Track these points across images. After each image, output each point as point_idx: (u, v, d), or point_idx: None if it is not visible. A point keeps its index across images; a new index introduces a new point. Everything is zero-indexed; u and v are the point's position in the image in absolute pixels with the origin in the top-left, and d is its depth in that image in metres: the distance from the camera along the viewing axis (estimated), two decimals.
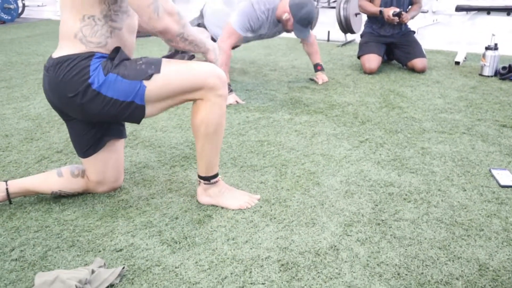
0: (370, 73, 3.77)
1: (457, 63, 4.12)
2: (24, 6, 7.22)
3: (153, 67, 1.65)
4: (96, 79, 1.60)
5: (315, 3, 5.03)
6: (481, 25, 4.14)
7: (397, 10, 3.72)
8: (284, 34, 4.49)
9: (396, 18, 3.69)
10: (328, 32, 5.12)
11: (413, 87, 3.47)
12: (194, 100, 1.72)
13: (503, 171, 2.17)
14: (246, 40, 3.26)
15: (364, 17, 5.01)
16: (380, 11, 3.76)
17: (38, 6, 8.60)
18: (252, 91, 3.36)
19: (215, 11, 3.26)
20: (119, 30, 1.67)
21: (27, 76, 3.78)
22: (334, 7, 4.98)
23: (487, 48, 3.71)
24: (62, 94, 1.65)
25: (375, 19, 3.88)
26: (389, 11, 3.71)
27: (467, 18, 4.07)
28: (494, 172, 2.15)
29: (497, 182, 2.07)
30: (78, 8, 1.60)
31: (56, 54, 1.66)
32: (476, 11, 3.99)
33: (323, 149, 2.39)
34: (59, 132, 2.62)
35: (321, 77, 3.53)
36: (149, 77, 1.63)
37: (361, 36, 4.02)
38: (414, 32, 3.99)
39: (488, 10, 3.93)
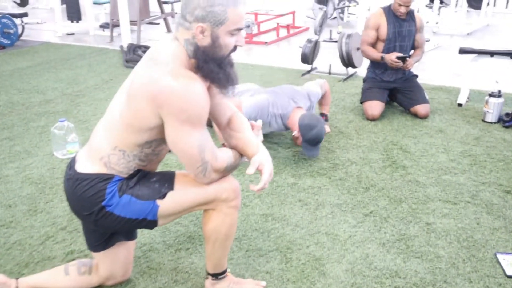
0: (373, 119, 3.76)
1: (460, 105, 4.10)
2: (23, 26, 7.19)
3: (167, 185, 1.66)
4: (111, 201, 1.63)
5: (317, 37, 5.02)
6: (484, 65, 4.12)
7: (401, 54, 3.72)
8: (285, 66, 4.49)
9: (400, 62, 3.68)
10: (330, 65, 5.11)
11: (416, 138, 3.46)
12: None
13: (509, 256, 2.16)
14: None
15: None
16: (382, 57, 3.75)
17: (38, 23, 8.57)
18: None
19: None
20: (144, 166, 1.71)
21: (28, 123, 3.76)
22: (336, 41, 4.95)
23: (490, 95, 3.70)
24: (78, 209, 1.70)
25: (377, 64, 3.87)
26: (392, 56, 3.70)
27: (470, 58, 4.06)
28: (500, 257, 2.15)
29: (503, 270, 2.07)
30: (114, 136, 1.63)
31: (79, 167, 1.68)
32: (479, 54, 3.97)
33: (328, 226, 2.38)
34: (62, 201, 2.62)
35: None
36: (162, 196, 1.64)
37: (364, 81, 4.01)
38: (417, 76, 3.97)
39: (492, 54, 3.91)
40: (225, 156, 1.66)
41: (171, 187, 1.66)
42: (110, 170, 1.65)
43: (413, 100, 3.82)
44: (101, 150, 1.66)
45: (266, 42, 6.81)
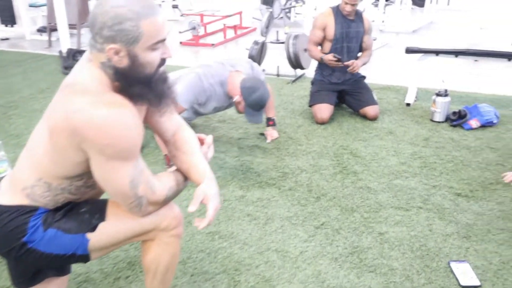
0: (322, 123, 3.67)
1: (408, 104, 4.09)
2: None
3: (98, 215, 1.47)
4: (33, 236, 1.42)
5: (263, 38, 4.90)
6: (430, 64, 4.12)
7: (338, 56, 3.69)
8: None
9: (339, 62, 3.65)
10: (278, 67, 5.00)
11: (367, 140, 3.39)
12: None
13: (462, 264, 2.11)
14: (197, 113, 3.08)
15: None
16: (321, 58, 3.70)
17: None
18: None
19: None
20: (77, 199, 1.50)
21: None
22: (283, 42, 4.85)
23: (437, 95, 3.69)
24: None
25: (325, 66, 3.79)
26: (329, 55, 3.66)
27: (417, 57, 4.04)
28: (453, 267, 2.09)
29: (457, 280, 2.01)
30: (38, 167, 1.42)
31: None
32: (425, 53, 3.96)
33: (278, 242, 2.26)
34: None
35: (271, 133, 3.39)
36: (93, 228, 1.45)
37: (312, 83, 3.92)
38: (364, 77, 3.92)
39: (437, 52, 3.91)
40: (165, 186, 1.48)
41: (102, 218, 1.47)
42: (34, 202, 1.45)
43: (362, 101, 3.77)
44: (23, 180, 1.45)
45: (213, 44, 6.65)
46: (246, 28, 7.70)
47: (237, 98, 2.90)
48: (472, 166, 3.01)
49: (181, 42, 6.75)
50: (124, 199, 1.39)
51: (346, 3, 3.63)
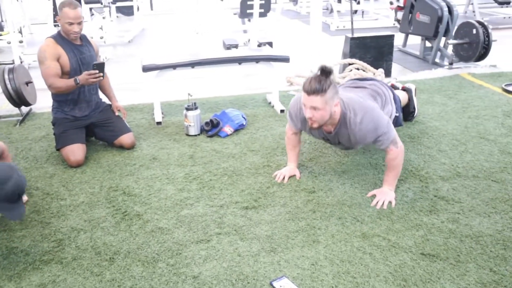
0: (78, 166, 3.23)
1: (159, 123, 3.96)
2: None
3: None
4: None
5: None
6: (169, 78, 4.07)
7: (98, 62, 3.31)
8: None
9: (99, 73, 3.20)
10: None
11: (134, 174, 3.13)
12: None
13: (282, 280, 2.11)
14: None
15: (39, 85, 4.33)
16: (75, 79, 3.19)
17: None
18: None
19: None
20: None
21: None
22: None
23: (187, 109, 3.66)
24: None
25: (64, 101, 3.33)
26: (84, 74, 3.19)
27: (154, 74, 3.93)
28: (276, 285, 2.07)
29: None
30: None
31: None
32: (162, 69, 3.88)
33: None
34: None
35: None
36: None
37: (53, 123, 3.40)
38: (110, 105, 3.61)
39: (174, 66, 3.87)
40: None
41: None
42: None
43: (115, 131, 3.46)
44: None
45: None
46: None
47: None
48: (244, 174, 3.08)
49: None
50: None
51: (72, 24, 3.21)
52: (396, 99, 3.20)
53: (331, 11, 8.54)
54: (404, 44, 6.27)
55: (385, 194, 2.72)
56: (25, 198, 2.79)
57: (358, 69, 4.87)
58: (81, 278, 2.17)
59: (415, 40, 6.08)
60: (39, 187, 3.00)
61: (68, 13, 3.18)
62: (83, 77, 3.20)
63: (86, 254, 2.34)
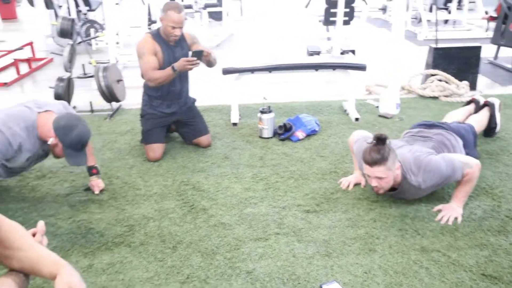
0: (156, 161, 3.46)
1: (235, 124, 4.12)
2: None
3: None
4: None
5: (68, 73, 4.46)
6: (247, 81, 4.22)
7: (198, 49, 3.34)
8: None
9: (196, 60, 3.25)
10: (90, 103, 4.60)
11: (205, 171, 3.29)
12: None
13: (332, 284, 2.14)
14: (8, 171, 2.58)
15: (128, 83, 4.66)
16: (173, 67, 3.27)
17: None
18: (25, 220, 2.71)
19: None
20: None
21: None
22: (91, 76, 4.48)
23: (262, 112, 3.77)
24: None
25: (154, 95, 3.52)
26: (181, 60, 3.25)
27: (234, 77, 4.09)
28: None
29: None
30: None
31: None
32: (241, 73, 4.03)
33: None
34: None
35: (97, 183, 3.03)
36: None
37: (142, 116, 3.62)
38: (195, 100, 3.77)
39: (252, 70, 4.01)
40: None
41: None
42: None
43: (195, 132, 3.66)
44: None
45: (5, 83, 5.85)
46: (42, 59, 6.99)
47: (52, 140, 2.51)
48: (310, 179, 3.13)
49: None
50: None
51: (174, 28, 3.30)
52: (468, 143, 3.04)
53: (420, 20, 8.29)
54: (496, 57, 5.96)
55: (452, 210, 2.65)
56: (102, 185, 3.04)
57: (440, 80, 4.71)
58: (145, 262, 2.34)
59: (508, 53, 5.76)
60: (119, 176, 3.26)
61: (173, 16, 3.27)
62: (180, 63, 3.25)
63: (152, 241, 2.52)
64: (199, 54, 3.30)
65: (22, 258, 1.32)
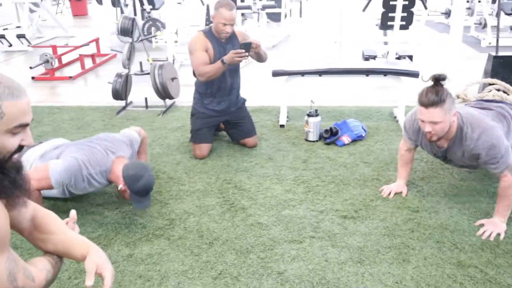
0: (202, 158, 3.57)
1: (282, 126, 4.16)
2: None
3: None
4: None
5: (126, 70, 4.67)
6: (297, 84, 4.24)
7: (245, 41, 3.36)
8: (97, 104, 4.07)
9: (245, 52, 3.27)
10: (146, 98, 4.80)
11: (249, 171, 3.36)
12: None
13: None
14: (69, 192, 2.74)
15: (183, 81, 4.82)
16: (222, 60, 3.30)
17: None
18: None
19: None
20: None
21: None
22: (147, 73, 4.66)
23: (308, 115, 3.79)
24: None
25: (204, 93, 3.61)
26: (231, 53, 3.28)
27: (283, 79, 4.13)
28: None
29: None
30: None
31: None
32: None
33: None
34: None
35: None
36: None
37: (192, 114, 3.72)
38: (245, 100, 3.85)
39: (302, 74, 4.03)
40: (42, 271, 1.38)
41: None
42: None
43: (243, 132, 3.74)
44: None
45: (70, 77, 6.19)
46: (105, 55, 7.33)
47: (121, 187, 2.67)
48: (351, 184, 3.13)
49: (33, 78, 6.18)
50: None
51: (225, 25, 3.37)
52: None
53: (484, 26, 7.97)
54: None
55: (495, 225, 2.57)
56: None
57: (498, 90, 4.53)
58: (182, 255, 2.44)
59: None
60: (166, 171, 3.39)
61: (224, 13, 3.35)
62: (229, 56, 3.27)
63: (190, 236, 2.61)
64: (247, 46, 3.32)
65: (56, 241, 1.47)
